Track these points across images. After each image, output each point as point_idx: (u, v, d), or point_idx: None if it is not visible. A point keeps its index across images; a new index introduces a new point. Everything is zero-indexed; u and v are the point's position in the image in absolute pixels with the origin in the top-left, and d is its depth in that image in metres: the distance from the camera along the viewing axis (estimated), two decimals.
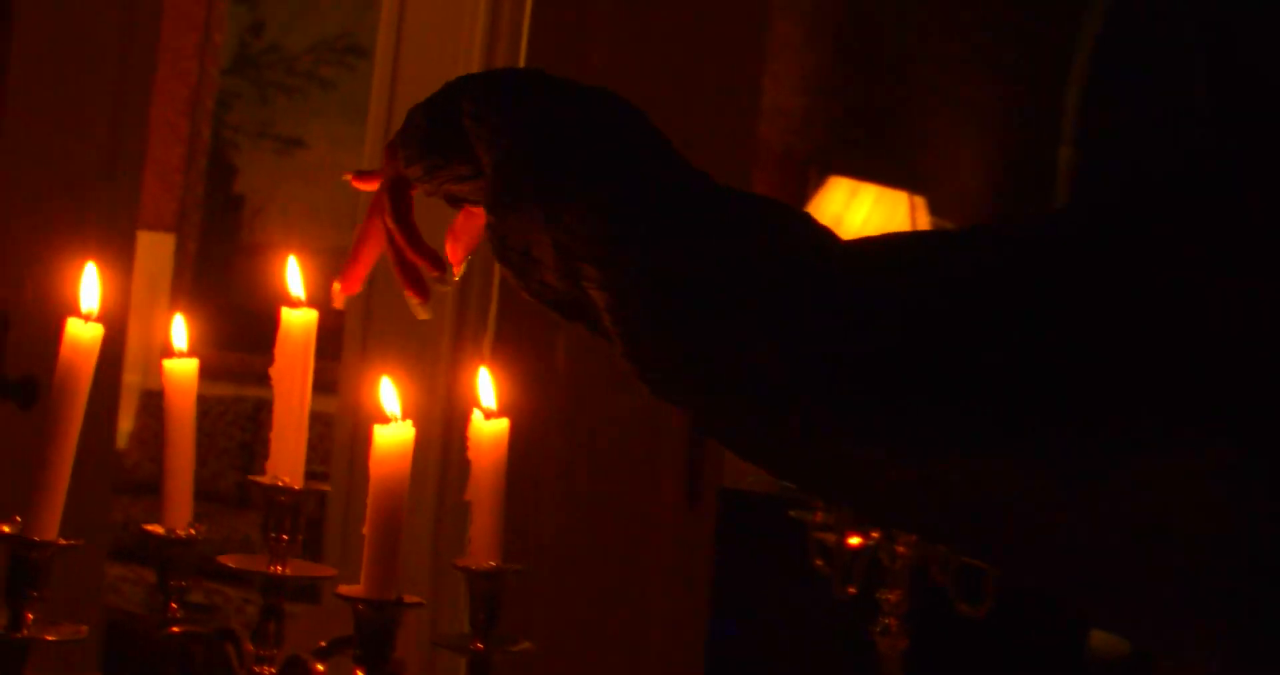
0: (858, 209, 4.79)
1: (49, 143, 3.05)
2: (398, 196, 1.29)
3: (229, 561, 1.36)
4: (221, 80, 7.85)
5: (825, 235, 1.05)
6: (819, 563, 2.24)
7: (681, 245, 1.04)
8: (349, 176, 1.40)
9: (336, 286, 1.35)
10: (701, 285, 1.03)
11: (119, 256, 3.26)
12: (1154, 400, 0.91)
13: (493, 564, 1.43)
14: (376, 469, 1.24)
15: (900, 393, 0.95)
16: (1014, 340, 0.93)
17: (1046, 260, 0.96)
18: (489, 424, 1.44)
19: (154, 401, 7.10)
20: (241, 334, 7.46)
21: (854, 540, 2.12)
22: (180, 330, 1.47)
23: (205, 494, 6.92)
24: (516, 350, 3.68)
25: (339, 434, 4.10)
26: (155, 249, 7.81)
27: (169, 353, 1.47)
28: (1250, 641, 0.92)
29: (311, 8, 7.66)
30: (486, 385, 1.44)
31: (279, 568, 1.36)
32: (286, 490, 1.36)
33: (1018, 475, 0.94)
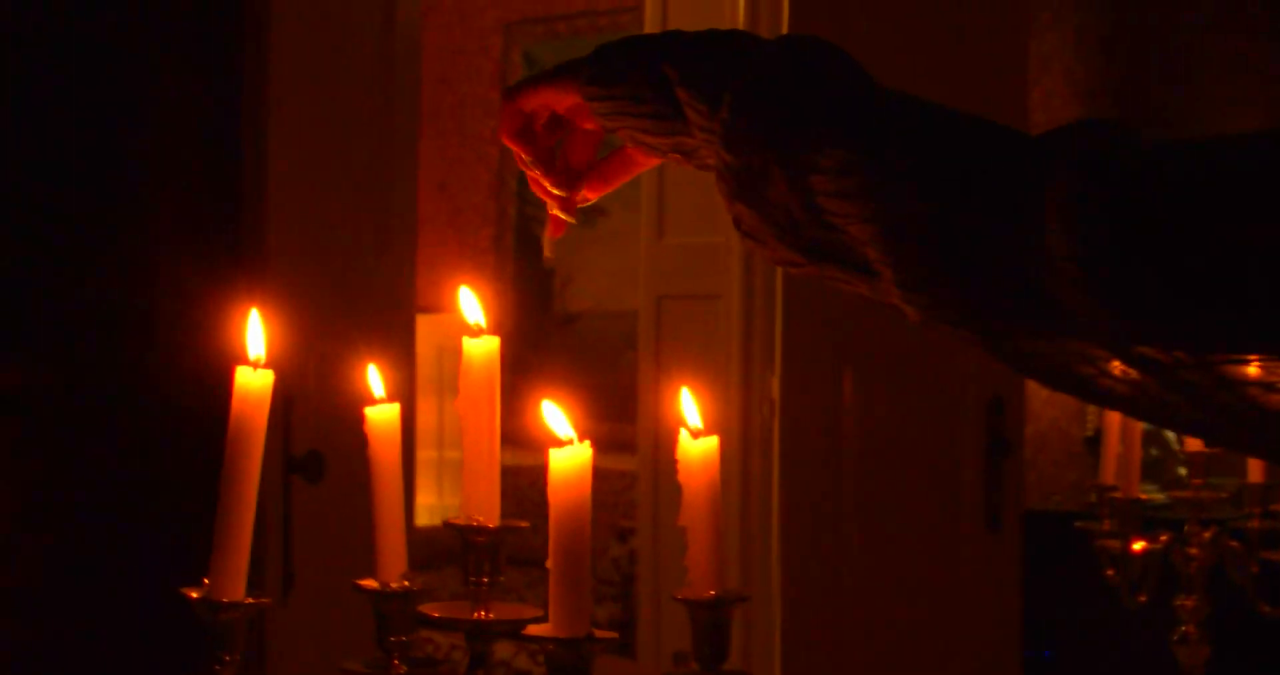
0: None
1: (319, 230, 3.03)
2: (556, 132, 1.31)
3: (431, 610, 1.25)
4: None
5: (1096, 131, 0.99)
6: (1110, 572, 2.06)
7: (948, 164, 1.01)
8: (549, 252, 1.40)
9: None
10: (978, 197, 0.99)
11: (400, 335, 3.23)
12: None
13: (713, 593, 1.29)
14: (555, 496, 1.12)
15: (1181, 290, 0.90)
16: None
17: None
18: (697, 444, 1.31)
19: None
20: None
21: (1138, 545, 1.94)
22: (376, 377, 1.38)
23: (538, 560, 6.81)
24: (804, 384, 3.56)
25: (641, 487, 4.02)
26: None
27: (370, 400, 1.38)
28: None
29: None
30: (690, 405, 1.31)
31: (483, 613, 1.25)
32: (483, 529, 1.25)
33: None
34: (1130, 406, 1.02)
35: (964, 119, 1.04)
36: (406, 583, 1.35)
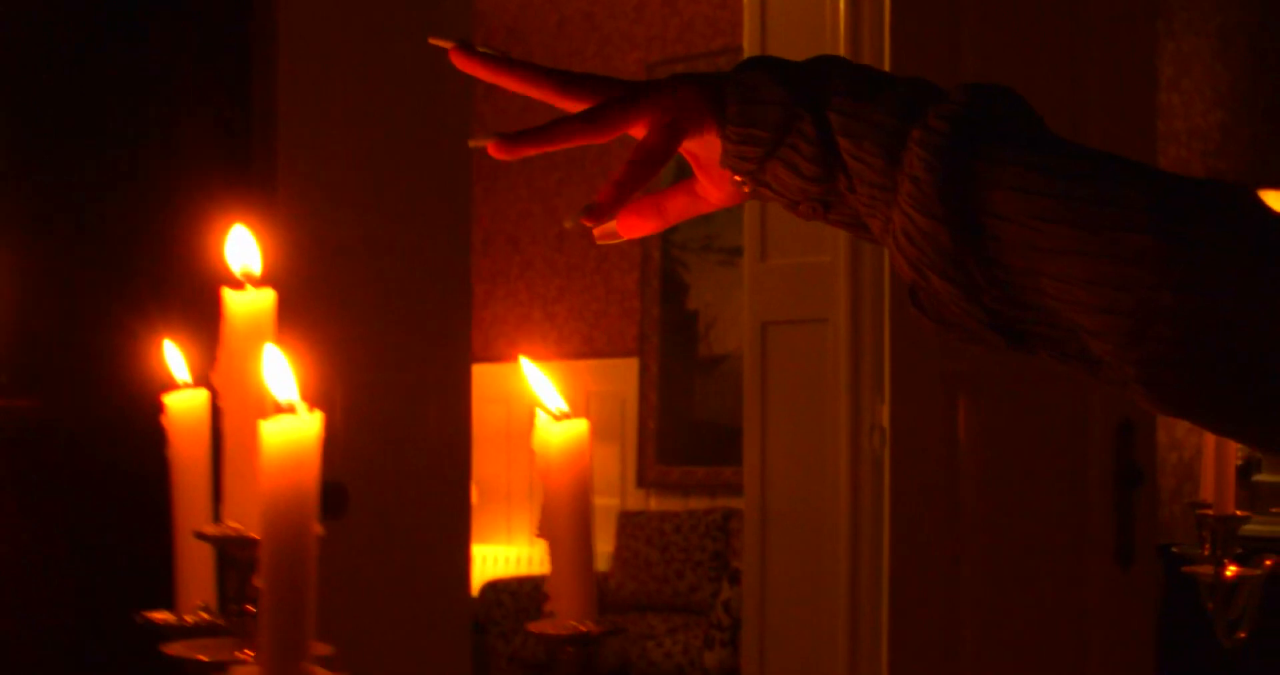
0: None
1: (353, 261, 2.76)
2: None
3: (172, 651, 0.91)
4: None
5: None
6: (1210, 607, 1.68)
7: (1200, 243, 0.83)
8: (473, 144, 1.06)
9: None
10: (1240, 281, 0.83)
11: (456, 384, 2.93)
12: None
13: (576, 626, 0.94)
14: (268, 481, 0.75)
15: None
16: None
17: None
18: (560, 429, 0.95)
19: (630, 521, 6.79)
20: (706, 447, 7.13)
21: (1230, 571, 1.55)
22: (177, 356, 1.05)
23: (684, 606, 6.54)
24: (916, 411, 3.22)
25: (747, 526, 3.66)
26: (620, 373, 7.58)
27: (172, 385, 1.05)
28: None
29: None
30: (540, 380, 0.96)
31: (248, 651, 0.90)
32: (243, 540, 0.91)
33: None
34: None
35: (1193, 186, 0.86)
36: (206, 615, 1.02)
